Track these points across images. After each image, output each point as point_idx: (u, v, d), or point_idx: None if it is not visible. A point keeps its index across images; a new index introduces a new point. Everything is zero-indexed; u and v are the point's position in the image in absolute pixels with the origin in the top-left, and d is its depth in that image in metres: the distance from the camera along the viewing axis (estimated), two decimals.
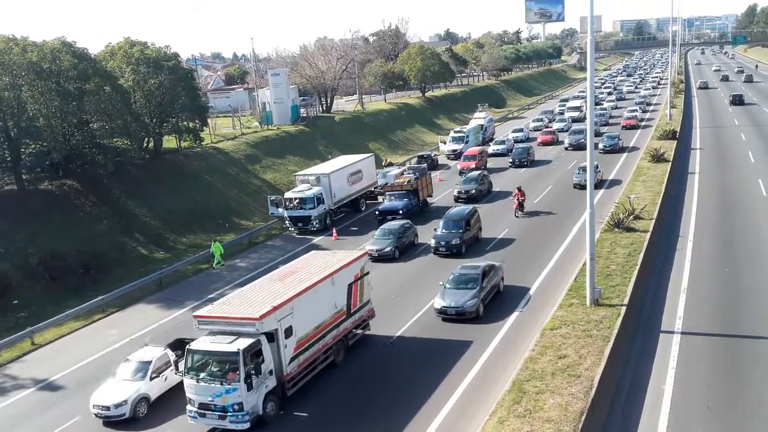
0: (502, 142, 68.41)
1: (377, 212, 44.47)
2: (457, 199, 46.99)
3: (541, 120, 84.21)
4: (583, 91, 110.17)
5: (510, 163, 59.58)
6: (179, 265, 38.24)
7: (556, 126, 78.26)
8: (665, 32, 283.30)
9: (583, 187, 42.85)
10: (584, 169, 44.68)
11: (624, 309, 24.31)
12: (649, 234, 32.57)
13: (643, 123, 77.63)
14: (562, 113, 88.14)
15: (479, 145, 67.19)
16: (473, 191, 47.15)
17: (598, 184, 45.95)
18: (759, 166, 48.97)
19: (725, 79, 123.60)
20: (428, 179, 48.46)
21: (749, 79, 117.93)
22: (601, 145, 60.85)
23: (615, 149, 60.75)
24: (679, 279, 28.74)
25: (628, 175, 47.88)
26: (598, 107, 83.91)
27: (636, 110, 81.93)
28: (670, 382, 20.49)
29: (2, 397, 25.02)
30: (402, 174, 49.42)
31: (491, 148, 67.37)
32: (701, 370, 21.05)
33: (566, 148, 64.97)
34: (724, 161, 52.21)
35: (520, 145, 64.06)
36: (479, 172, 49.75)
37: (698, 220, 36.92)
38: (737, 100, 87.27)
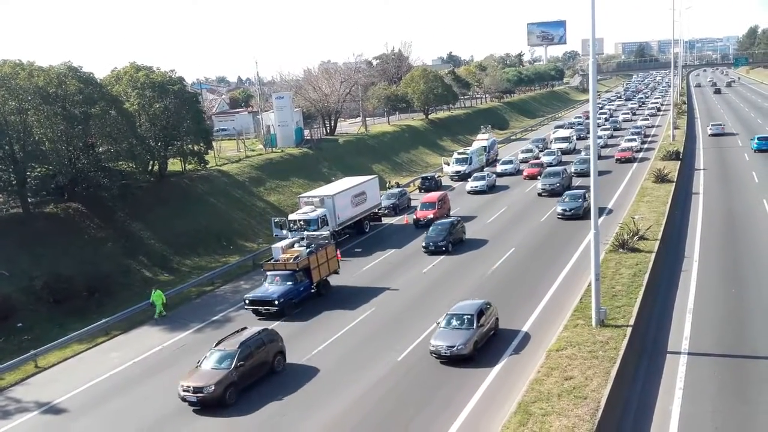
0: (482, 178, 59.76)
1: (246, 302, 33.31)
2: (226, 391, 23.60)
3: (531, 150, 76.37)
4: (580, 117, 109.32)
5: (423, 247, 40.94)
6: (183, 287, 38.21)
7: (544, 159, 69.18)
8: (667, 54, 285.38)
9: (443, 357, 24.81)
10: (454, 319, 25.70)
11: (630, 330, 24.20)
12: (654, 254, 32.50)
13: (641, 155, 69.68)
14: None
15: (439, 190, 58.65)
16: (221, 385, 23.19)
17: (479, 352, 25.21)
18: (763, 187, 48.89)
19: (713, 84, 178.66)
20: (330, 251, 36.18)
21: (729, 84, 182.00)
22: (559, 209, 46.15)
23: (577, 214, 44.89)
24: (684, 299, 28.60)
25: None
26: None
27: (634, 139, 74.74)
28: (677, 404, 20.30)
29: (5, 420, 24.88)
30: (292, 246, 36.45)
31: (469, 185, 59.39)
32: (709, 392, 20.86)
33: (539, 194, 53.79)
34: (728, 182, 52.18)
35: (442, 220, 43.47)
36: (249, 341, 24.95)
37: (703, 241, 36.82)
38: (717, 91, 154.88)
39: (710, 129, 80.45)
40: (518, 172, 66.26)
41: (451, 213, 49.93)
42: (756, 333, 24.72)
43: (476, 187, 58.79)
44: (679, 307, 27.84)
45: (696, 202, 46.43)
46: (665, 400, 20.61)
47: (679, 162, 58.42)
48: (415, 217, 48.75)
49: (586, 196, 44.29)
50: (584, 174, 57.29)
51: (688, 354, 23.50)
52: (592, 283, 25.21)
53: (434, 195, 51.19)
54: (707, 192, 49.13)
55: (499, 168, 67.14)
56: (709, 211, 43.27)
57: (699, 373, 22.05)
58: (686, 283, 30.62)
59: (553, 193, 52.81)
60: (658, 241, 34.59)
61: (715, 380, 21.50)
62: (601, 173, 55.98)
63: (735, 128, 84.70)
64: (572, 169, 60.01)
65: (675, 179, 50.78)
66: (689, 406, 20.10)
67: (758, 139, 65.86)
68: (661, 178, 50.04)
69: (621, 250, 33.43)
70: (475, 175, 61.94)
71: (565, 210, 45.65)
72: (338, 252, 41.90)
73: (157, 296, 34.84)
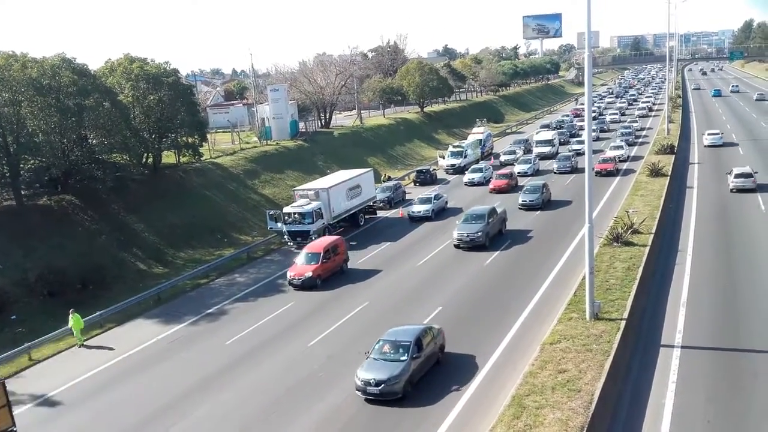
0: (428, 201, 48.13)
1: None
2: None
3: (514, 152, 69.20)
4: (567, 115, 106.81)
5: None
6: (177, 280, 38.15)
7: (518, 168, 59.48)
8: (662, 48, 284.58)
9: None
10: None
11: (624, 323, 24.25)
12: (648, 248, 32.56)
13: (626, 166, 60.19)
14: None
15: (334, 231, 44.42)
16: None
17: None
18: (757, 181, 48.93)
19: (701, 69, 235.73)
20: None
21: (713, 69, 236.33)
22: (358, 380, 22.29)
23: (393, 392, 21.86)
24: (678, 293, 28.70)
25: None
26: (574, 139, 75.85)
27: (621, 146, 65.49)
28: (670, 396, 20.40)
29: None
30: None
31: (413, 208, 47.90)
32: (702, 384, 20.97)
33: (456, 246, 38.76)
34: (722, 176, 52.20)
35: None
36: None
37: (697, 235, 36.93)
38: (703, 73, 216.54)
39: (692, 85, 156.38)
40: (488, 181, 56.40)
41: (349, 263, 37.53)
42: (749, 326, 24.83)
43: (419, 212, 47.31)
44: (672, 301, 27.94)
45: (690, 195, 46.53)
46: (658, 393, 20.70)
47: (674, 156, 58.50)
48: (290, 274, 35.61)
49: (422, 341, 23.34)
50: (534, 207, 46.41)
51: (682, 347, 23.60)
52: (586, 276, 25.25)
53: (321, 242, 37.05)
54: (701, 186, 49.24)
55: (467, 177, 58.91)
56: (703, 205, 43.38)
57: (692, 367, 22.15)
58: (680, 276, 30.72)
59: (473, 244, 38.05)
60: (652, 235, 34.64)
61: (708, 373, 21.60)
62: (559, 204, 47.38)
63: (706, 87, 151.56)
64: (519, 200, 47.20)
65: (669, 173, 50.85)
66: (682, 398, 20.21)
67: (714, 90, 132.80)
68: (655, 172, 50.10)
69: (615, 244, 33.47)
70: (419, 196, 50.09)
71: (367, 384, 22.04)
72: None
73: (76, 321, 30.24)
